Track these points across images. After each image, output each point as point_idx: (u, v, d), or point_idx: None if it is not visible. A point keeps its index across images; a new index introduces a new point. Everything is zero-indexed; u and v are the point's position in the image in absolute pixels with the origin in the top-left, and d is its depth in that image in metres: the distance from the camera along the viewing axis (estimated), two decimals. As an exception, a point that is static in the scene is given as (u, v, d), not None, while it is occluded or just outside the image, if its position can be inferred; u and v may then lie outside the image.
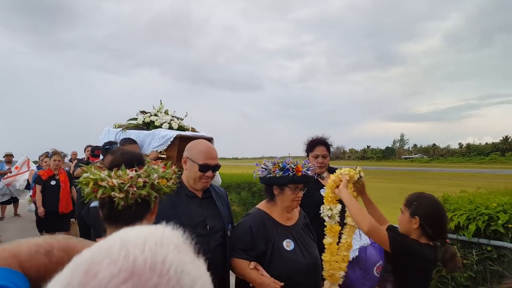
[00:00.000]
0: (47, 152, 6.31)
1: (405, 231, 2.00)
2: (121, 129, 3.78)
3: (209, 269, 1.88)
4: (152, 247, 0.47)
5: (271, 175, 2.33)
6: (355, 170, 2.39)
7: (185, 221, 2.01)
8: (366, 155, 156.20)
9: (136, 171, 1.29)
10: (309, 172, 2.35)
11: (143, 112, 3.89)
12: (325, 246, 2.34)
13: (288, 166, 2.31)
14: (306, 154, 3.23)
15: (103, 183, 1.22)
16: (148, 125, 3.73)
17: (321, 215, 2.35)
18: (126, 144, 3.39)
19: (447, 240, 1.92)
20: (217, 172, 2.28)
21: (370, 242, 2.74)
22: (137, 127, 3.78)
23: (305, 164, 2.36)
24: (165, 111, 3.96)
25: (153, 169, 1.35)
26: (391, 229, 2.15)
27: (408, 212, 1.97)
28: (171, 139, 3.45)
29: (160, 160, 3.07)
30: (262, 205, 2.44)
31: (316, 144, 3.19)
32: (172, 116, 3.90)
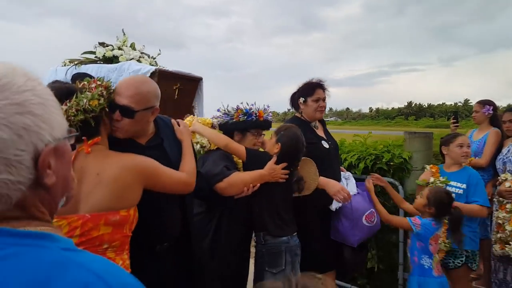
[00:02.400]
0: None
1: (268, 151, 2.39)
2: (73, 64, 3.00)
3: (167, 226, 1.86)
4: None
5: (234, 120, 2.38)
6: (209, 119, 2.52)
7: None
8: (287, 117, 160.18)
9: (66, 104, 1.47)
10: (269, 118, 2.48)
11: (102, 44, 3.11)
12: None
13: (251, 111, 2.38)
14: (304, 99, 2.86)
15: None
16: (111, 61, 3.03)
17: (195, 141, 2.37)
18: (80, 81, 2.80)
19: (298, 167, 2.36)
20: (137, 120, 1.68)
21: (357, 191, 2.75)
22: (95, 62, 3.05)
23: (266, 110, 2.48)
24: (131, 44, 3.20)
25: (82, 95, 1.52)
26: None
27: (275, 138, 2.32)
28: (147, 75, 2.66)
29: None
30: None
31: (316, 86, 2.91)
32: (142, 53, 3.17)
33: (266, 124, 2.47)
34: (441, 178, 2.80)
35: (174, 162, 1.82)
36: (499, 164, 3.46)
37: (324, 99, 2.92)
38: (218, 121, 2.45)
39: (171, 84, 2.67)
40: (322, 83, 2.95)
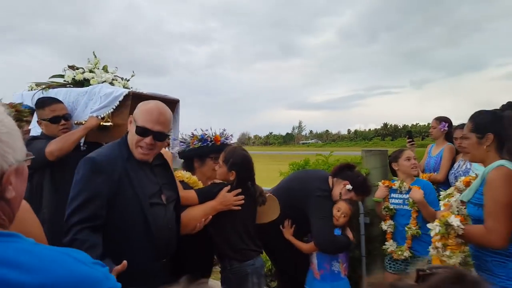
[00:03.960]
0: None
1: (223, 180, 2.33)
2: (39, 88, 2.89)
3: (168, 239, 1.93)
4: None
5: (190, 147, 2.39)
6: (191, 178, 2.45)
7: (140, 190, 1.78)
8: (269, 140, 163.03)
9: None
10: (227, 141, 2.48)
11: (72, 67, 2.98)
12: None
13: (206, 136, 2.40)
14: (350, 189, 2.71)
15: None
16: (81, 85, 2.89)
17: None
18: (46, 105, 2.59)
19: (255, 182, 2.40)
20: (168, 147, 1.96)
21: None
22: (64, 86, 2.95)
23: (223, 134, 2.50)
24: (104, 67, 3.07)
25: None
26: None
27: (226, 167, 2.28)
28: (120, 98, 2.57)
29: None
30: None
31: (367, 194, 2.92)
32: (115, 75, 3.05)
33: (224, 148, 2.40)
34: (404, 184, 2.96)
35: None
36: (451, 179, 3.66)
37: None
38: (177, 150, 2.46)
39: None
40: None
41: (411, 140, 4.30)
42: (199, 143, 2.38)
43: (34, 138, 2.61)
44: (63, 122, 2.62)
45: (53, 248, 0.78)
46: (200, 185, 2.37)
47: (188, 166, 2.43)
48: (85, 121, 2.62)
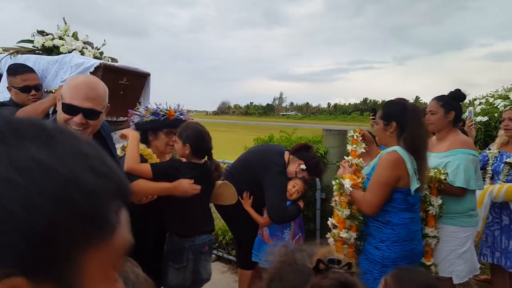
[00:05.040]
0: None
1: (181, 156, 2.43)
2: (7, 53, 2.84)
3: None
4: None
5: (144, 120, 2.43)
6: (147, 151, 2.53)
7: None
8: (249, 111, 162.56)
9: None
10: (182, 117, 2.50)
11: (41, 33, 2.92)
12: None
13: (159, 110, 2.42)
14: (303, 168, 2.86)
15: None
16: (50, 51, 2.84)
17: None
18: (18, 73, 2.54)
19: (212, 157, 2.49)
20: (103, 123, 1.73)
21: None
22: (33, 52, 2.88)
23: (178, 109, 2.51)
24: (73, 34, 3.02)
25: None
26: None
27: (181, 141, 2.34)
28: (91, 69, 2.55)
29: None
30: None
31: (315, 174, 3.06)
32: (85, 43, 3.01)
33: (178, 123, 2.43)
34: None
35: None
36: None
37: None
38: (133, 120, 2.51)
39: (117, 79, 2.56)
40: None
41: (374, 118, 4.48)
42: (151, 117, 2.42)
43: (3, 104, 2.64)
44: (33, 92, 2.63)
45: None
46: (154, 157, 2.45)
47: (144, 139, 2.49)
48: (55, 90, 2.64)
